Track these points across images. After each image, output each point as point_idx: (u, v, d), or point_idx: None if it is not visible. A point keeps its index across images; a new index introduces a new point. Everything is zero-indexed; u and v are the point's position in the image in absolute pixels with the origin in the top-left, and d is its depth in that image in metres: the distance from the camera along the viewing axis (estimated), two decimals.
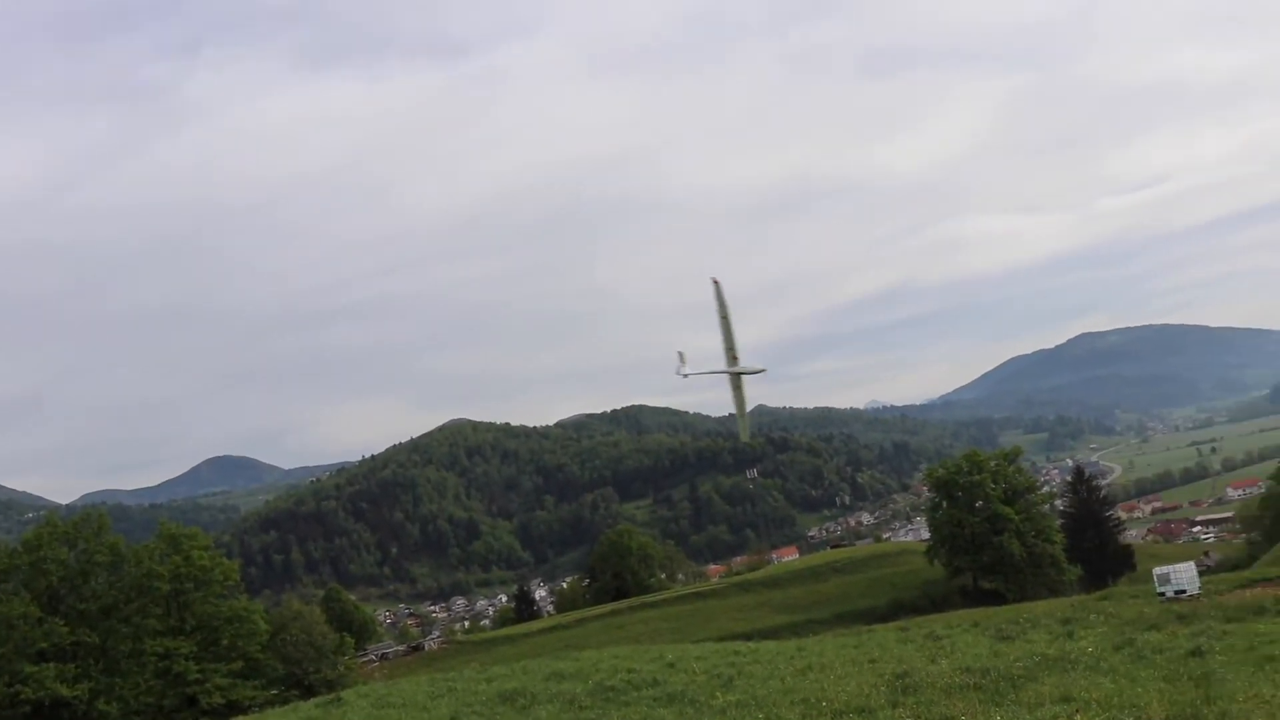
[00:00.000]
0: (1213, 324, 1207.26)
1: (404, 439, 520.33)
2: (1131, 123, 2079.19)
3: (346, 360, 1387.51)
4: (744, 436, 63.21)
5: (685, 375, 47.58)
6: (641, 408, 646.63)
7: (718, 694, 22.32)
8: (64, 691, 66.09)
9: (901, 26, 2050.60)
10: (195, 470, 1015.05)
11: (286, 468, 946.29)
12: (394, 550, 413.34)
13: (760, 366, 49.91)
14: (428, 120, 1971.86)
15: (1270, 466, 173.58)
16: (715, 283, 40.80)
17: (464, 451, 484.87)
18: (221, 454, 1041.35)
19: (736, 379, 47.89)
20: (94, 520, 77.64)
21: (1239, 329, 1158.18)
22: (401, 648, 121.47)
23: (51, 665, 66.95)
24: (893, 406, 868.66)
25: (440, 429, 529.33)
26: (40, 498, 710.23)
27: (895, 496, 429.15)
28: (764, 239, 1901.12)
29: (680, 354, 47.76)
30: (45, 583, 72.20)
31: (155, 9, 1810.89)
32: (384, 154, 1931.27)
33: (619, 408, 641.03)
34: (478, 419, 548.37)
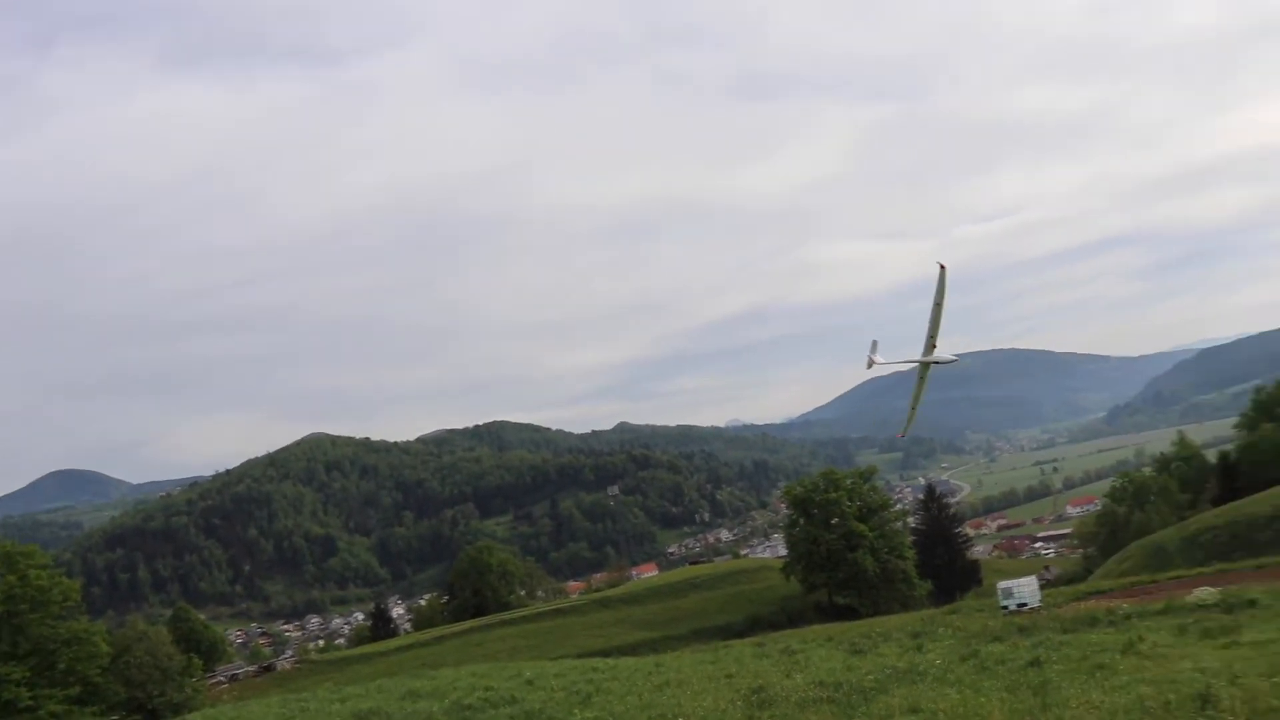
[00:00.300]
0: (1056, 349, 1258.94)
1: (260, 453, 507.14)
2: (986, 155, 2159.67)
3: (201, 372, 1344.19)
4: (906, 429, 61.54)
5: (877, 362, 46.63)
6: (503, 424, 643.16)
7: (575, 711, 22.32)
8: None
9: (772, 53, 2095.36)
10: (36, 484, 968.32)
11: (135, 482, 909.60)
12: (247, 568, 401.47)
13: (952, 357, 48.85)
14: (295, 129, 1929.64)
15: (1105, 485, 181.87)
16: (941, 268, 40.25)
17: (322, 466, 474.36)
18: (65, 468, 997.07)
19: (925, 369, 48.15)
20: None
21: (1080, 354, 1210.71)
22: (252, 668, 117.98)
23: None
24: (753, 425, 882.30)
25: (298, 443, 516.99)
26: None
27: (754, 513, 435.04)
28: (628, 258, 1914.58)
29: (874, 343, 47.37)
30: None
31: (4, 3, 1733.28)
32: (249, 161, 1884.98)
33: (481, 423, 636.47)
34: (337, 433, 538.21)
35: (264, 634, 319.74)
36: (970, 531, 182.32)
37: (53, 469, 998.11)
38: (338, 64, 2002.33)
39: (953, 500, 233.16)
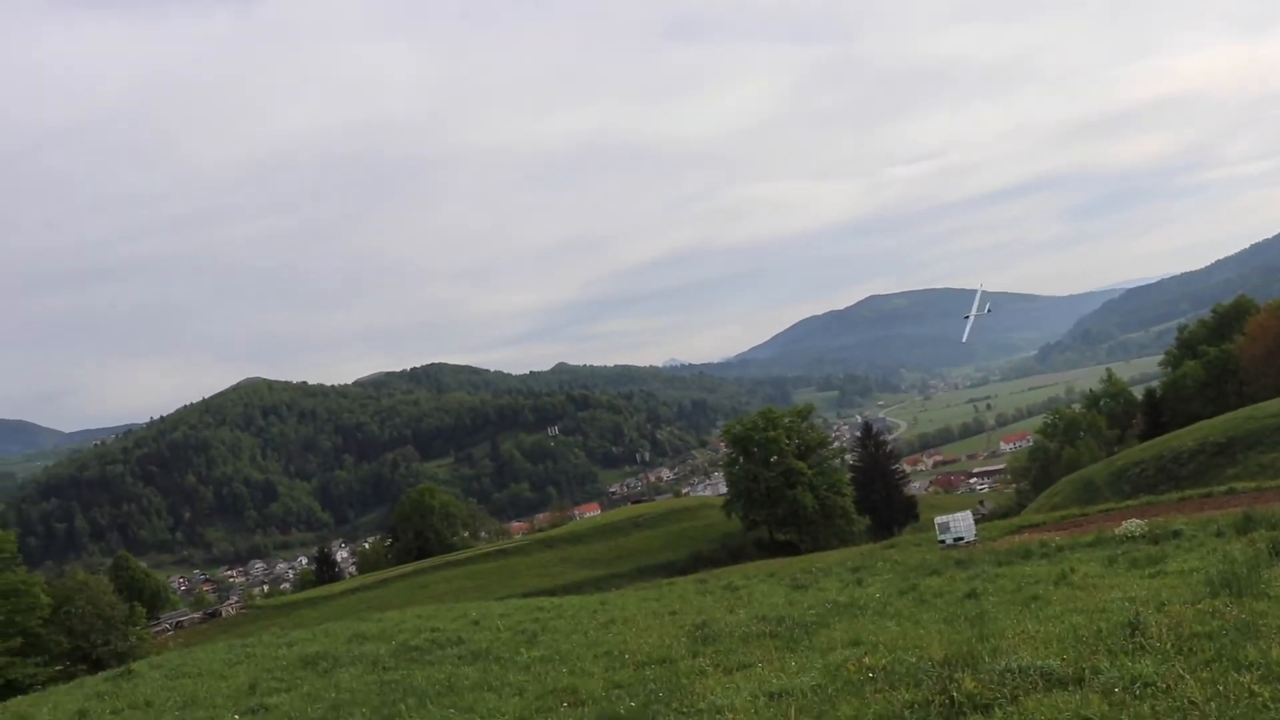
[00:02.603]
0: (988, 289, 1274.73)
1: (195, 399, 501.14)
2: (914, 99, 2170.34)
3: (131, 319, 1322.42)
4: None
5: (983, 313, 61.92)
6: (441, 366, 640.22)
7: (522, 650, 22.65)
8: None
9: None
10: None
11: (67, 431, 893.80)
12: (187, 515, 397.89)
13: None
14: (213, 71, 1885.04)
15: (1037, 421, 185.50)
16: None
17: (259, 411, 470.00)
18: None
19: None
20: None
21: (1010, 294, 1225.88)
22: (197, 615, 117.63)
23: None
24: (691, 365, 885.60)
25: (234, 389, 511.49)
26: None
27: (694, 452, 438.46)
28: (560, 200, 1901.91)
29: (980, 289, 59.66)
30: None
31: None
32: (166, 104, 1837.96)
33: (418, 366, 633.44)
34: (273, 378, 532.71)
35: (207, 580, 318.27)
36: (907, 468, 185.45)
37: None
38: (257, 2, 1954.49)
39: (889, 437, 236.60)
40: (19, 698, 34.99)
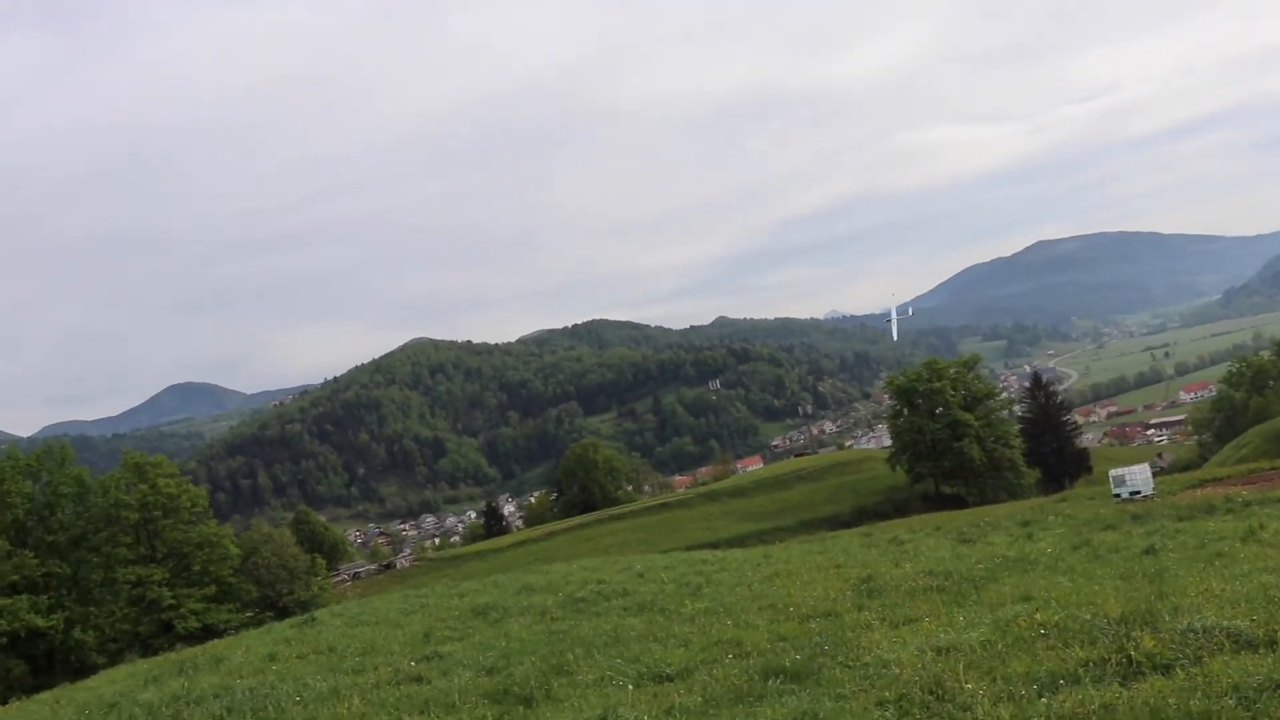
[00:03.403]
0: (1165, 230, 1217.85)
1: (365, 360, 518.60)
2: (1086, 31, 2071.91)
3: (304, 284, 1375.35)
4: None
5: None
6: (602, 322, 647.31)
7: (687, 602, 22.77)
8: (39, 622, 66.12)
9: None
10: (157, 398, 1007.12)
11: (249, 393, 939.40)
12: (361, 471, 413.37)
13: None
14: (382, 32, 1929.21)
15: (1221, 370, 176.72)
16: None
17: (426, 370, 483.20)
18: (183, 381, 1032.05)
19: None
20: (56, 452, 77.02)
21: (1190, 235, 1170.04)
22: (373, 567, 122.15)
23: (24, 597, 66.83)
24: (852, 316, 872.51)
25: (402, 349, 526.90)
26: (1, 431, 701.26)
27: (857, 405, 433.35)
28: (721, 151, 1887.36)
29: (894, 302, 56.55)
30: (10, 516, 71.80)
31: None
32: (336, 68, 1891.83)
33: (579, 323, 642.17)
34: (439, 338, 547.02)
35: (382, 534, 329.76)
36: (1079, 419, 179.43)
37: (171, 383, 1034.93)
38: None
39: (1060, 388, 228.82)
40: (215, 641, 37.14)
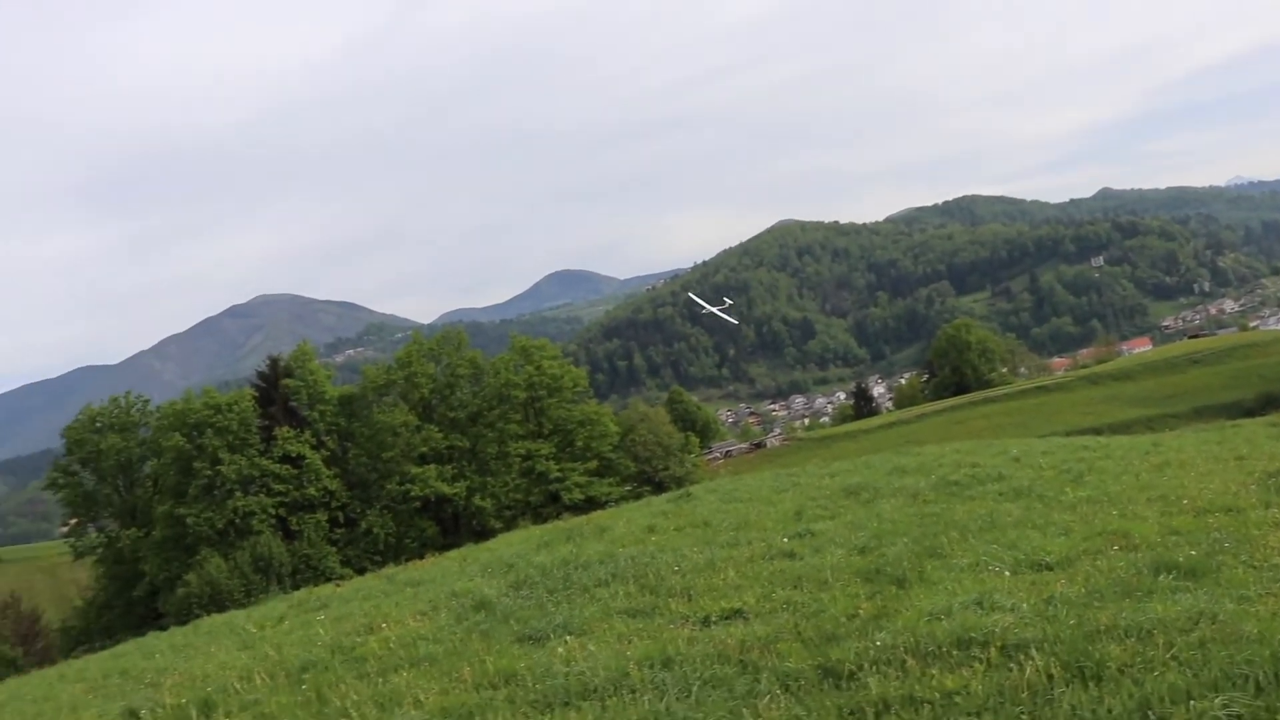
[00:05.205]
0: None
1: (733, 243, 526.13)
2: None
3: (674, 170, 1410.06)
4: None
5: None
6: (974, 198, 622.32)
7: (1067, 489, 21.36)
8: (445, 489, 73.46)
9: None
10: (538, 286, 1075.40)
11: (622, 278, 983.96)
12: (731, 352, 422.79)
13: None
14: None
15: None
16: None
17: (794, 252, 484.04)
18: (561, 269, 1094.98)
19: None
20: (454, 337, 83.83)
21: None
22: (744, 445, 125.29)
23: (432, 467, 74.20)
24: (1261, 181, 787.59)
25: (769, 231, 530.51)
26: (406, 319, 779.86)
27: (1264, 281, 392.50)
28: (1100, 1, 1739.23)
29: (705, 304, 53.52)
30: (418, 395, 79.08)
31: None
32: None
33: (949, 199, 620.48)
34: (805, 219, 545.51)
35: (752, 414, 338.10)
36: None
37: (551, 271, 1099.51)
38: None
39: None
40: (598, 512, 39.20)
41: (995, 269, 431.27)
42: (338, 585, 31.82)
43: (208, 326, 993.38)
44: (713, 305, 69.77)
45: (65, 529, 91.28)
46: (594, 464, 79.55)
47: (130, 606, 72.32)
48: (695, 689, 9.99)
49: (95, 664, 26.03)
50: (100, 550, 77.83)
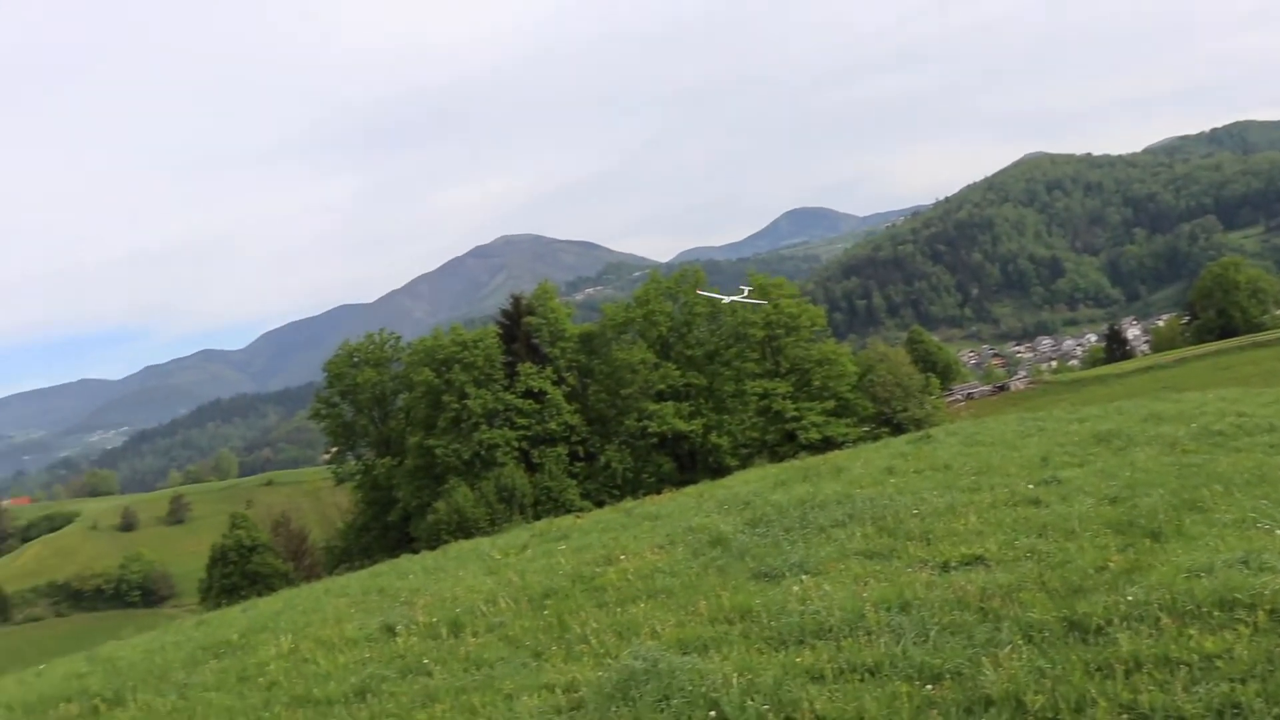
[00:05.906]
0: None
1: (977, 178, 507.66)
2: None
3: (913, 105, 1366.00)
4: None
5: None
6: (1248, 124, 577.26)
7: None
8: (682, 426, 74.55)
9: None
10: (775, 224, 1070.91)
11: (861, 215, 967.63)
12: (974, 291, 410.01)
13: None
14: None
15: None
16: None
17: (1042, 186, 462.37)
18: (799, 207, 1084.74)
19: None
20: (691, 275, 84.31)
21: None
22: (987, 388, 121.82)
23: (669, 404, 75.40)
24: None
25: (1015, 165, 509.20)
26: (643, 258, 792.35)
27: None
28: None
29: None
30: (656, 333, 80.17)
31: None
32: None
33: (1218, 126, 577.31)
34: (1055, 151, 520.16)
35: (995, 355, 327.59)
36: None
37: (787, 209, 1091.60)
38: None
39: None
40: (835, 452, 39.07)
41: (1271, 202, 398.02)
42: (578, 517, 32.91)
43: (454, 266, 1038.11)
44: (733, 295, 70.70)
45: (327, 456, 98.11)
46: (831, 404, 78.82)
47: (386, 530, 76.98)
48: (933, 634, 9.88)
49: (355, 581, 27.89)
50: (358, 477, 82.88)
